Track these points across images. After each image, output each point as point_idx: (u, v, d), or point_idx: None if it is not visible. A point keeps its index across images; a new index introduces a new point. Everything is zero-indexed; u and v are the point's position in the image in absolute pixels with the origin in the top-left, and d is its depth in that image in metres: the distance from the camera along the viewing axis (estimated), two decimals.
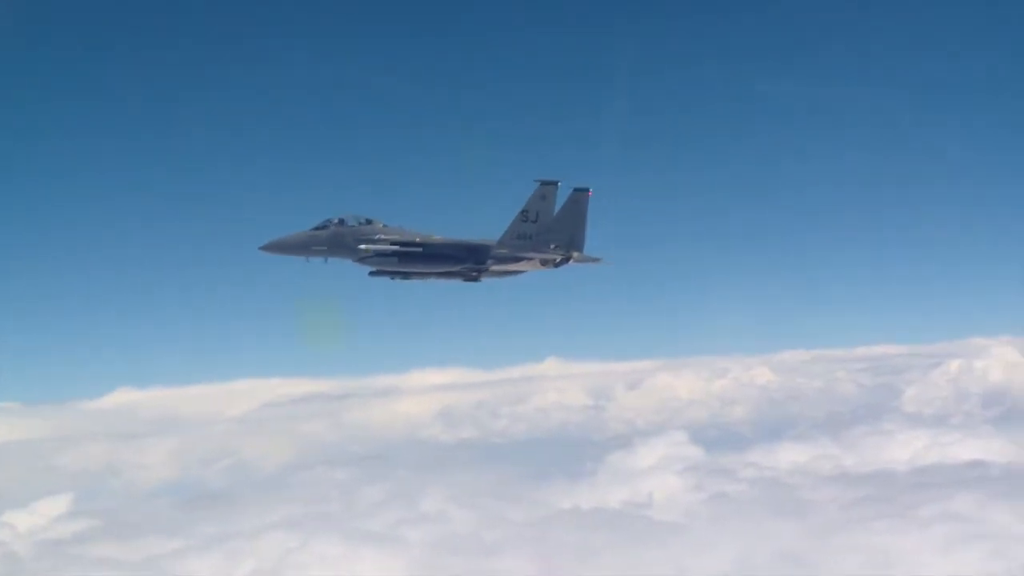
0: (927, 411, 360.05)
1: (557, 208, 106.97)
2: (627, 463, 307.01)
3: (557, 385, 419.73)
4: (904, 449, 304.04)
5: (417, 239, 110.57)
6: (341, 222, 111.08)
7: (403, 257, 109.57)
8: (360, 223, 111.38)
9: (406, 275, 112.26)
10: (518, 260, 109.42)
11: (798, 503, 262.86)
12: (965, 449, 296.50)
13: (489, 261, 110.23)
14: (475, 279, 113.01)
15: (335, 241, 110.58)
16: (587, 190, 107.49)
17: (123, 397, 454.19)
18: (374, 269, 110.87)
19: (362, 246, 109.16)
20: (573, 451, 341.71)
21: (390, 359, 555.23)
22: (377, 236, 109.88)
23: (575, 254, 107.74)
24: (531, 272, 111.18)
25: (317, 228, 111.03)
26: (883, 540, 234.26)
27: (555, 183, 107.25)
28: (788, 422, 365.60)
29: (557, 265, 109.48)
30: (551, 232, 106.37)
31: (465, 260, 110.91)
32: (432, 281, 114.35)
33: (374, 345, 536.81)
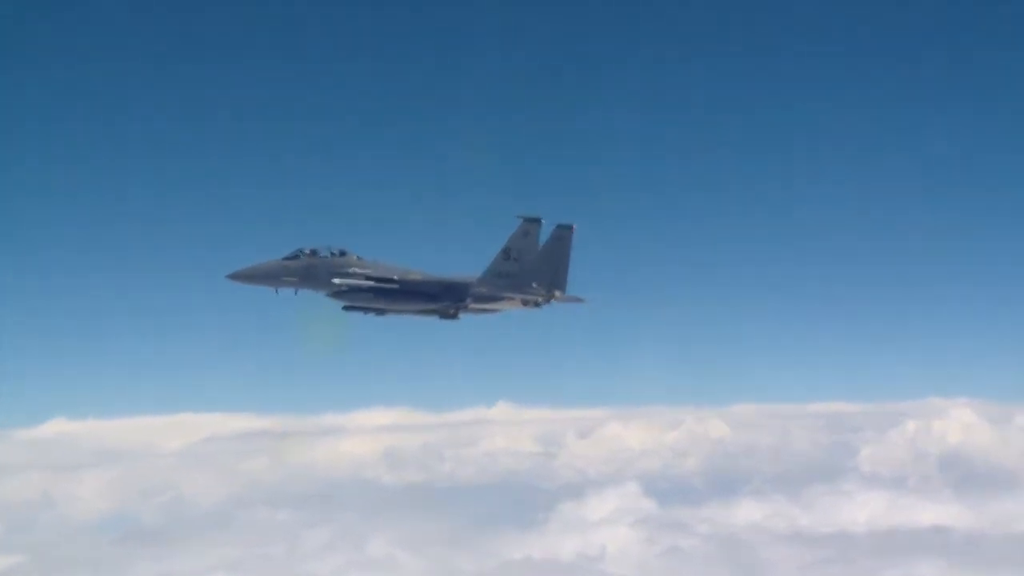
0: (884, 471, 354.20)
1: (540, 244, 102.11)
2: (579, 513, 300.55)
3: (506, 430, 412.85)
4: (862, 510, 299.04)
5: (394, 275, 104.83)
6: (313, 252, 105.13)
7: (379, 293, 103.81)
8: (333, 254, 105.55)
9: (381, 311, 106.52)
10: (498, 299, 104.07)
11: (754, 561, 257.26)
12: (925, 513, 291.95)
13: (468, 299, 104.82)
14: (453, 317, 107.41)
15: (307, 272, 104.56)
16: (571, 227, 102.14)
17: (59, 427, 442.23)
18: (347, 304, 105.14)
19: (336, 280, 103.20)
20: (522, 499, 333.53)
21: (335, 397, 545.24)
22: (352, 269, 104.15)
23: (557, 294, 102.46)
24: (503, 312, 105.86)
25: (288, 258, 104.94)
26: None
27: (538, 220, 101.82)
28: (742, 477, 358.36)
29: (538, 305, 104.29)
30: (533, 270, 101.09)
31: (443, 298, 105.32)
32: (408, 317, 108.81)
33: (319, 382, 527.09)
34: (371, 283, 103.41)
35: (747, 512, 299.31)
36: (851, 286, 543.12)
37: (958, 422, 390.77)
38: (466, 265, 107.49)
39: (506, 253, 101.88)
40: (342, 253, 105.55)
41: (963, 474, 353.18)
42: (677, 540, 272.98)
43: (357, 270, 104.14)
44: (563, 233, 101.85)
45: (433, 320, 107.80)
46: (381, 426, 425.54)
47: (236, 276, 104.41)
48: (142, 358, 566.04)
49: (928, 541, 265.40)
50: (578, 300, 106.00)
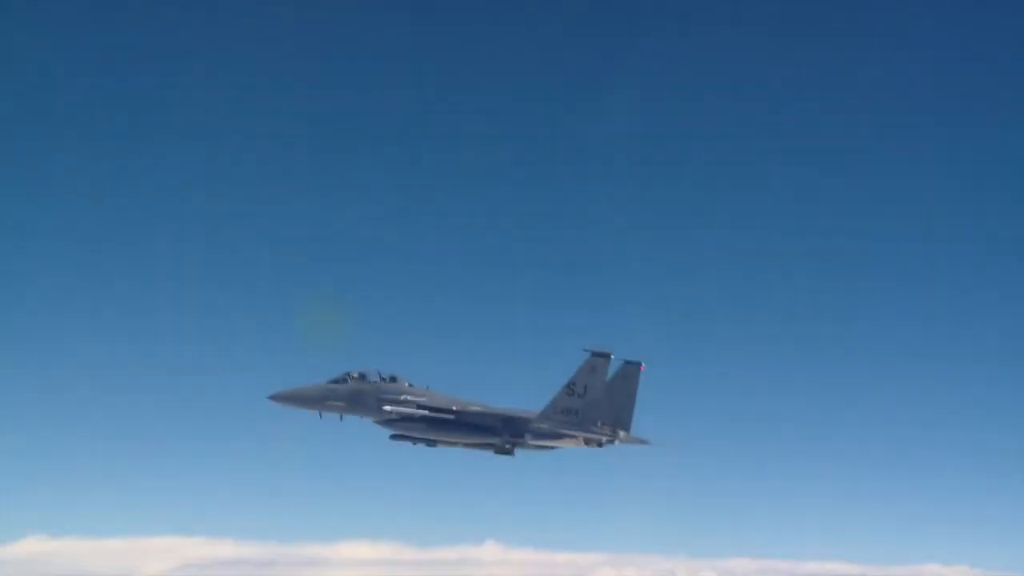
0: None
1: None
2: None
3: (493, 571, 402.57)
4: None
5: (450, 405, 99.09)
6: (362, 377, 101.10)
7: (432, 424, 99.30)
8: (383, 379, 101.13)
9: (431, 443, 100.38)
10: (560, 437, 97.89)
11: None
12: None
13: (527, 435, 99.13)
14: (508, 452, 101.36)
15: (354, 398, 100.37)
16: (639, 364, 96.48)
17: (33, 546, 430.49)
18: (397, 433, 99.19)
19: (387, 407, 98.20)
20: None
21: (319, 526, 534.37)
22: (403, 397, 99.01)
23: (622, 434, 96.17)
24: (560, 450, 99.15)
25: (335, 381, 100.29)
26: None
27: (607, 355, 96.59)
28: None
29: (601, 445, 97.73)
30: (598, 408, 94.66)
31: (501, 432, 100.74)
32: (459, 450, 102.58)
33: (302, 510, 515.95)
34: (424, 412, 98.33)
35: None
36: (853, 443, 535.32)
37: None
38: (517, 400, 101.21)
39: (571, 388, 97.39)
40: (392, 379, 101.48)
41: None
42: None
43: (409, 398, 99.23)
44: (631, 370, 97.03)
45: (481, 455, 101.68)
46: (365, 559, 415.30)
47: (278, 398, 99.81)
48: (123, 476, 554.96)
49: None
50: (643, 442, 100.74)
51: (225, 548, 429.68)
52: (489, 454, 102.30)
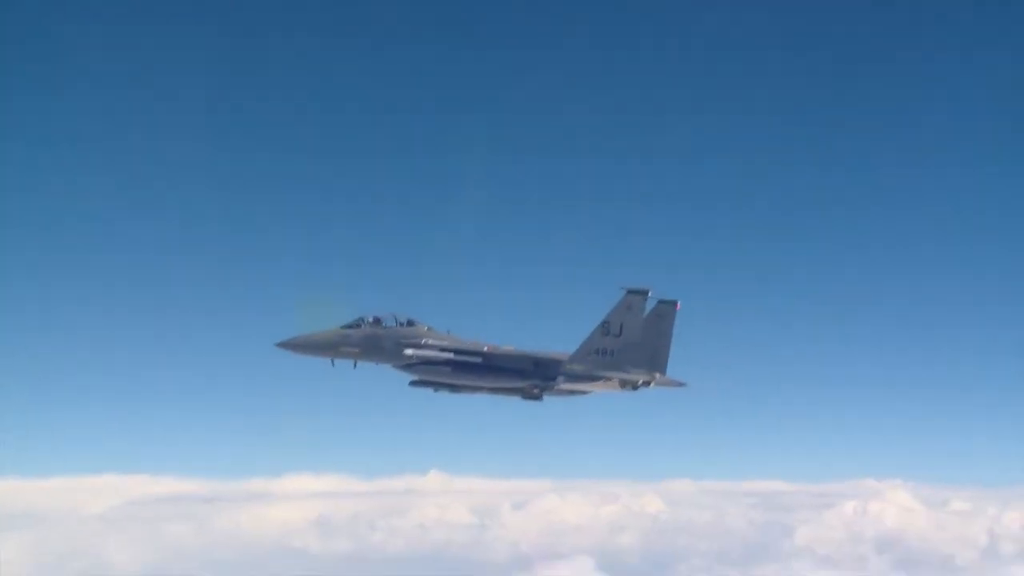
0: (822, 552, 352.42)
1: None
2: None
3: (439, 500, 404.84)
4: None
5: (476, 348, 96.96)
6: (377, 321, 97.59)
7: (458, 368, 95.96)
8: (400, 324, 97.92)
9: (455, 388, 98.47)
10: (594, 380, 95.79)
11: None
12: None
13: (560, 378, 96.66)
14: (537, 397, 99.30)
15: (370, 343, 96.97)
16: (675, 303, 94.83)
17: None
18: (419, 378, 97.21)
19: (409, 351, 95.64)
20: (463, 571, 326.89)
21: (263, 461, 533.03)
22: (425, 341, 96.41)
23: (658, 376, 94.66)
24: (592, 394, 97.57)
25: (348, 326, 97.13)
26: None
27: (645, 292, 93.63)
28: (679, 554, 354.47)
29: (636, 388, 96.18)
30: (634, 349, 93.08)
31: (531, 376, 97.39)
32: (483, 396, 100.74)
33: (245, 445, 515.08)
34: (449, 356, 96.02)
35: None
36: (786, 365, 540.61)
37: (894, 504, 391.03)
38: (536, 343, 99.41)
39: (605, 328, 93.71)
40: (410, 323, 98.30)
41: (900, 556, 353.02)
42: None
43: (431, 342, 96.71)
44: (666, 309, 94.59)
45: (508, 400, 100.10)
46: (310, 492, 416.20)
47: (287, 345, 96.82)
48: (63, 415, 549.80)
49: None
50: (679, 384, 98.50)
51: (167, 485, 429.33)
52: (516, 399, 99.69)
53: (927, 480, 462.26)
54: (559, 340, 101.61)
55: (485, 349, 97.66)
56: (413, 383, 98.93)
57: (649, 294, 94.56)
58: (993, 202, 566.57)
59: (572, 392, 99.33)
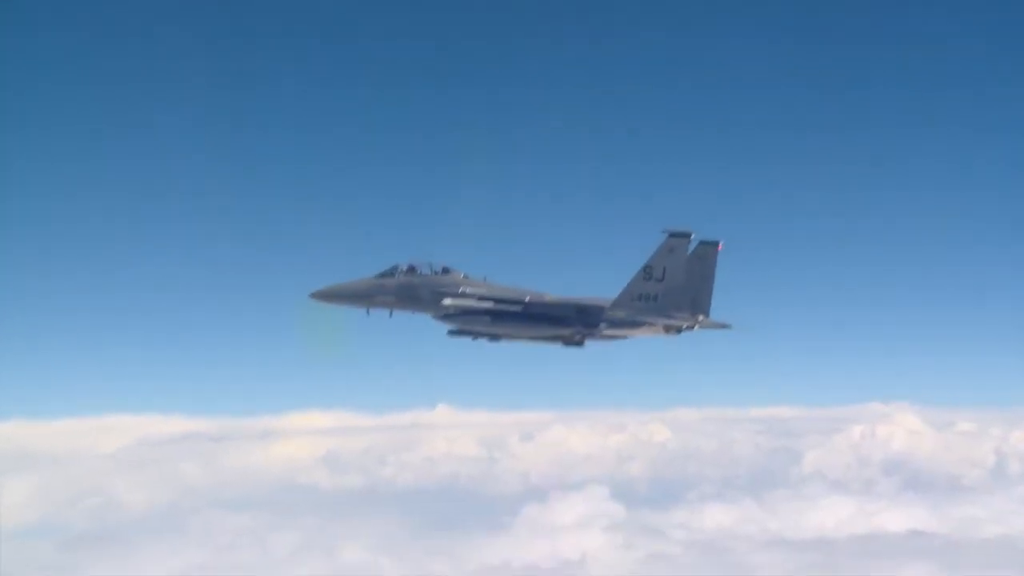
0: (831, 476, 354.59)
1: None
2: (545, 518, 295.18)
3: (448, 434, 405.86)
4: (829, 515, 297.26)
5: (516, 296, 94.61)
6: (411, 269, 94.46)
7: (497, 317, 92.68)
8: (435, 272, 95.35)
9: (495, 337, 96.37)
10: (637, 325, 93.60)
11: (740, 568, 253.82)
12: (892, 518, 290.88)
13: (602, 324, 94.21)
14: (578, 344, 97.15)
15: (406, 292, 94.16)
16: (716, 243, 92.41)
17: None
18: (458, 328, 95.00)
19: (447, 301, 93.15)
20: (474, 503, 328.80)
21: (270, 399, 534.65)
22: (462, 289, 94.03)
23: (701, 319, 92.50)
24: (635, 338, 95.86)
25: (382, 275, 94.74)
26: None
27: (688, 235, 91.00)
28: (689, 482, 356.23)
29: (680, 332, 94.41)
30: (677, 293, 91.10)
31: (573, 323, 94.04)
32: (524, 344, 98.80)
33: (255, 383, 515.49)
34: (489, 305, 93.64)
35: (716, 517, 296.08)
36: (792, 291, 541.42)
37: (902, 427, 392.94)
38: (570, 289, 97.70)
39: (648, 272, 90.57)
40: (445, 270, 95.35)
41: (908, 478, 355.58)
42: (655, 546, 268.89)
43: (468, 290, 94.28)
44: (707, 251, 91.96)
45: (548, 347, 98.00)
46: (318, 429, 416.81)
47: (320, 295, 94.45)
48: (71, 356, 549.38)
49: (908, 546, 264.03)
50: (724, 326, 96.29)
51: (177, 424, 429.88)
52: (557, 346, 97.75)
53: (933, 403, 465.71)
54: (596, 285, 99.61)
55: (527, 299, 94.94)
56: (451, 332, 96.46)
57: (692, 236, 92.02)
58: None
59: (614, 337, 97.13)
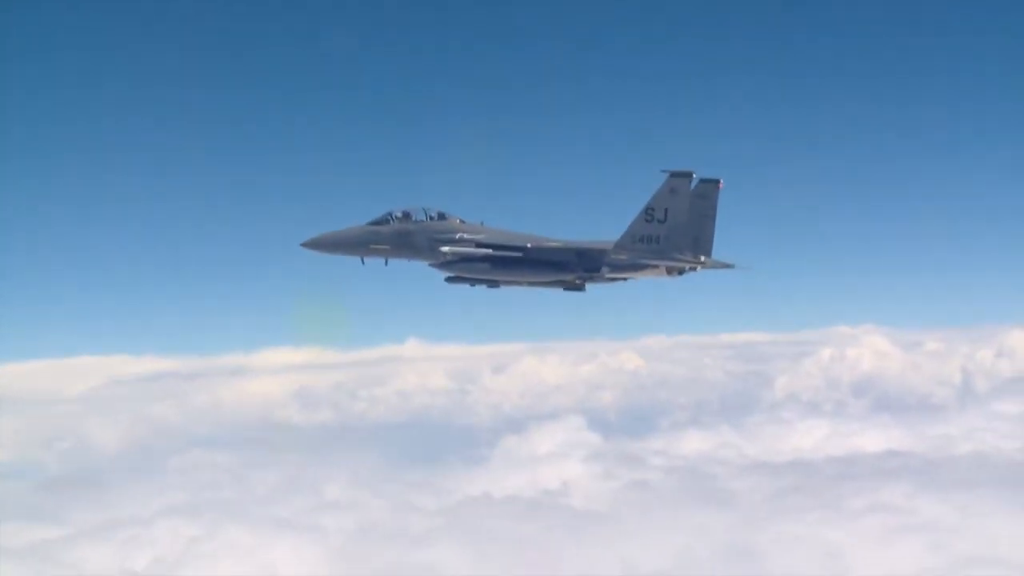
0: (805, 398, 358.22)
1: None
2: (523, 449, 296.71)
3: (418, 368, 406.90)
4: (805, 438, 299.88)
5: (515, 241, 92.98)
6: (406, 216, 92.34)
7: (497, 263, 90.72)
8: (431, 218, 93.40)
9: (494, 283, 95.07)
10: (640, 268, 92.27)
11: (721, 493, 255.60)
12: (868, 439, 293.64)
13: (604, 268, 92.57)
14: (579, 288, 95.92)
15: (401, 240, 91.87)
16: (717, 181, 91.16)
17: None
18: (456, 274, 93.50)
19: (445, 248, 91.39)
20: (450, 436, 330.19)
21: (240, 336, 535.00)
22: (459, 235, 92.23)
23: (703, 259, 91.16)
24: (637, 280, 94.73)
25: (376, 223, 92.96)
26: (818, 532, 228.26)
27: (689, 174, 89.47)
28: (660, 408, 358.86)
29: (683, 273, 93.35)
30: (679, 233, 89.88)
31: (574, 268, 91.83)
32: (524, 290, 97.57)
33: (223, 321, 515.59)
34: (488, 251, 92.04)
35: (694, 444, 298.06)
36: (755, 218, 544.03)
37: (870, 349, 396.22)
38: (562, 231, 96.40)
39: (649, 214, 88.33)
40: (441, 216, 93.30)
41: (877, 399, 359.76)
42: (635, 474, 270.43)
43: (466, 236, 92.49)
44: (708, 189, 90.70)
45: (547, 292, 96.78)
46: (289, 365, 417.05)
47: (312, 244, 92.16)
48: (38, 298, 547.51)
49: (886, 465, 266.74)
50: (727, 266, 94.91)
51: (147, 364, 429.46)
52: (557, 291, 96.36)
53: (898, 324, 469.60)
54: (595, 228, 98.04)
55: (528, 246, 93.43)
56: (449, 279, 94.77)
57: (694, 176, 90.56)
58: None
59: (615, 280, 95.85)
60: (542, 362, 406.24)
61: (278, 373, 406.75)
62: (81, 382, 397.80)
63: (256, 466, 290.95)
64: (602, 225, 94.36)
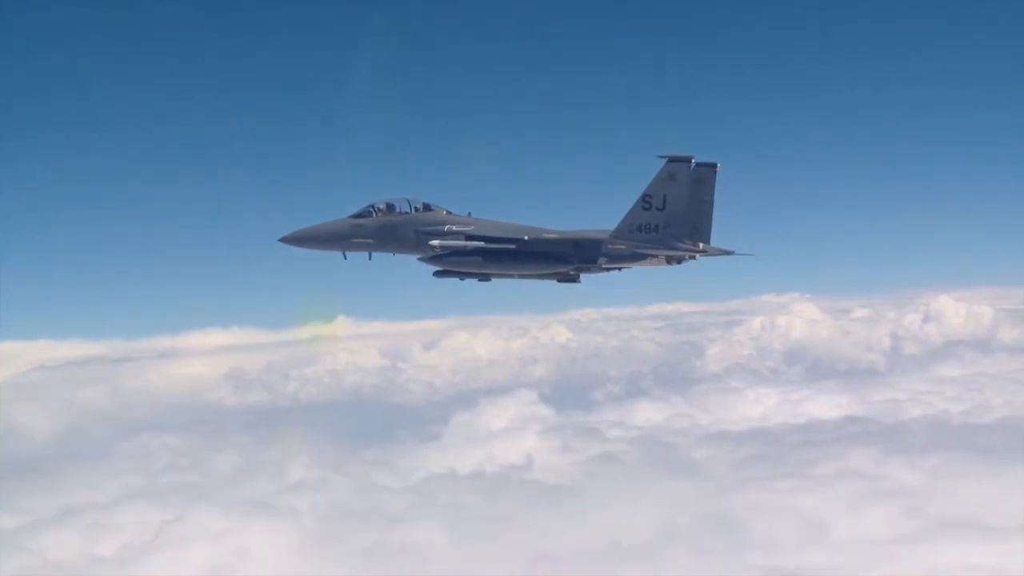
0: (743, 368, 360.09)
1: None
2: (477, 424, 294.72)
3: (348, 346, 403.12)
4: (755, 406, 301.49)
5: (507, 233, 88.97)
6: (389, 208, 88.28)
7: (490, 256, 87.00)
8: (416, 209, 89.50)
9: (485, 276, 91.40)
10: (640, 258, 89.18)
11: (687, 463, 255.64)
12: (817, 406, 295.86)
13: (601, 259, 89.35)
14: (574, 279, 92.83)
15: (385, 233, 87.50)
16: (714, 165, 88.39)
17: None
18: (445, 268, 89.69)
19: (435, 243, 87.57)
20: (398, 413, 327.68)
21: (167, 318, 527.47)
22: (447, 227, 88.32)
23: (702, 246, 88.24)
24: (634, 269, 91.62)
25: (358, 216, 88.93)
26: (792, 500, 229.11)
27: (688, 159, 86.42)
28: (594, 381, 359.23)
29: (682, 262, 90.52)
30: (678, 221, 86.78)
31: (570, 259, 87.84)
32: (516, 281, 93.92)
33: (147, 304, 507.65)
34: (480, 244, 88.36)
35: (646, 414, 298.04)
36: None
37: (800, 317, 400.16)
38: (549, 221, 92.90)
39: (647, 201, 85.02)
40: (427, 207, 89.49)
41: (810, 366, 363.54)
42: (596, 446, 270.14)
43: (455, 228, 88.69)
44: (705, 173, 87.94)
45: (542, 283, 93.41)
46: (218, 347, 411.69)
47: (291, 239, 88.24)
48: None
49: (847, 432, 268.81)
50: (727, 252, 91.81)
51: (72, 348, 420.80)
52: (551, 283, 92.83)
53: (823, 292, 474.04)
54: (583, 216, 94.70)
55: (524, 237, 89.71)
56: (437, 273, 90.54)
57: (693, 161, 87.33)
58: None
59: (611, 270, 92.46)
60: (474, 337, 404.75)
61: (208, 355, 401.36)
62: (4, 368, 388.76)
63: (205, 449, 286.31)
64: (590, 213, 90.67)
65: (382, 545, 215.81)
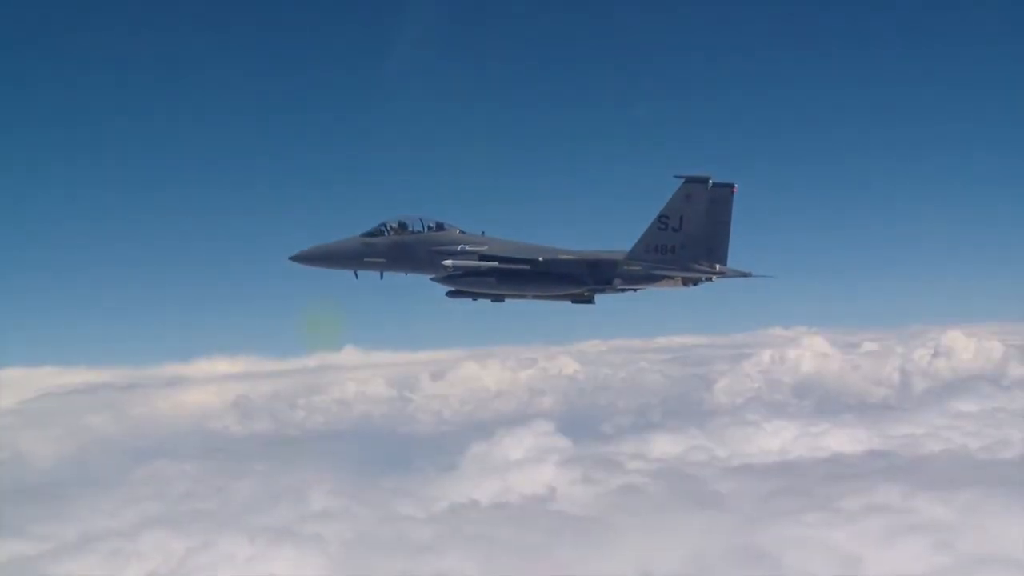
0: (739, 401, 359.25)
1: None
2: (495, 454, 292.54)
3: (357, 375, 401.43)
4: (773, 440, 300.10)
5: (522, 254, 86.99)
6: (402, 227, 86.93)
7: (504, 277, 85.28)
8: (429, 228, 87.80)
9: (499, 297, 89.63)
10: (654, 279, 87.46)
11: (712, 496, 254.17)
12: (836, 439, 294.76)
13: (616, 280, 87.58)
14: (588, 300, 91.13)
15: (398, 252, 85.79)
16: (731, 185, 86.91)
17: None
18: (458, 289, 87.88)
19: (448, 262, 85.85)
20: (407, 443, 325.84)
21: (174, 346, 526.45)
22: (460, 247, 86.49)
23: (719, 268, 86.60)
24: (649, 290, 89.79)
25: (370, 234, 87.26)
26: (821, 534, 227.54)
27: (705, 180, 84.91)
28: (602, 412, 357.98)
29: (698, 283, 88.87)
30: (695, 242, 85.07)
31: (585, 280, 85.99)
32: (529, 302, 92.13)
33: (155, 331, 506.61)
34: (494, 264, 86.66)
35: (664, 446, 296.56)
36: None
37: (811, 350, 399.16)
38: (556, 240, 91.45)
39: (663, 222, 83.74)
40: (439, 226, 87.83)
41: (819, 399, 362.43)
42: (617, 477, 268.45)
43: (468, 247, 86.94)
44: (722, 193, 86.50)
45: (556, 304, 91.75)
46: (225, 375, 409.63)
47: (301, 258, 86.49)
48: None
49: (873, 466, 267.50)
50: (744, 274, 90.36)
51: (80, 375, 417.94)
52: (566, 304, 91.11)
53: (831, 325, 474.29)
54: (597, 236, 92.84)
55: (540, 259, 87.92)
56: (450, 294, 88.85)
57: (711, 181, 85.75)
58: None
59: (626, 291, 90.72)
60: (481, 367, 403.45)
61: (215, 382, 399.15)
62: (10, 395, 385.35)
63: (221, 476, 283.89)
64: (605, 233, 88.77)
65: (414, 575, 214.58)
